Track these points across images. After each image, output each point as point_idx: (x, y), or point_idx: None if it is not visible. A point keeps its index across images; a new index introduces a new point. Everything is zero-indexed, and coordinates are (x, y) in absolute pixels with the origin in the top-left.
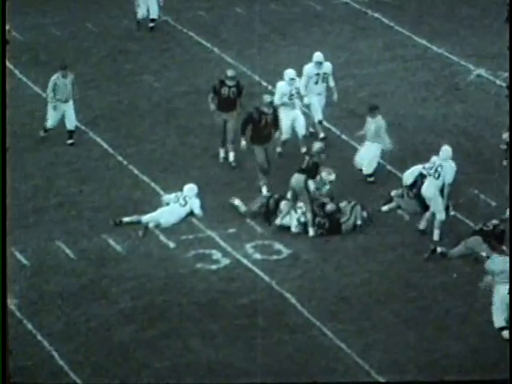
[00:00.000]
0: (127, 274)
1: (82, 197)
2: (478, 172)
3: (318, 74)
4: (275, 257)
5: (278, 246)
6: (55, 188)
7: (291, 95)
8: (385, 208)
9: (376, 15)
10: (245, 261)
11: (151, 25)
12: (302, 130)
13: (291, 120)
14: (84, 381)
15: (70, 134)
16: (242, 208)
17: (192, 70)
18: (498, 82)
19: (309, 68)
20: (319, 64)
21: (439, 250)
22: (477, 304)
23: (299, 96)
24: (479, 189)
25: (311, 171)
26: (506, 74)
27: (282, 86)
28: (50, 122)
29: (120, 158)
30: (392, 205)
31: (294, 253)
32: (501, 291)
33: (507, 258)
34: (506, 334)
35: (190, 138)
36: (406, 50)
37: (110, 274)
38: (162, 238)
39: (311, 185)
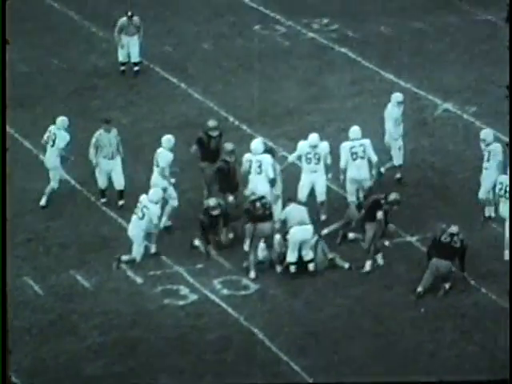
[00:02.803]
0: (95, 309)
1: (49, 233)
2: (446, 206)
3: (309, 153)
4: (243, 292)
5: (245, 281)
6: (23, 224)
7: (308, 158)
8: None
9: (343, 50)
10: (213, 296)
11: (136, 69)
12: (321, 196)
13: (310, 183)
14: None
15: (120, 194)
16: (202, 248)
17: (159, 105)
18: (465, 116)
19: (302, 146)
20: (314, 146)
21: (351, 235)
22: (445, 338)
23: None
24: (446, 223)
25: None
26: (474, 109)
27: (302, 146)
28: (99, 184)
29: (88, 194)
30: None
31: (262, 288)
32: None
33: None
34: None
35: None
36: (373, 85)
37: (78, 309)
38: (130, 273)
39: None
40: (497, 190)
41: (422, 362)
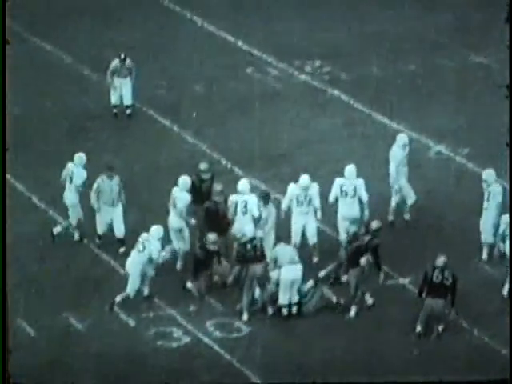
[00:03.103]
0: (88, 352)
1: (41, 274)
2: (439, 247)
3: (299, 195)
4: (235, 334)
5: (237, 323)
6: (16, 266)
7: (299, 201)
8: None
9: (335, 92)
10: (205, 339)
11: (128, 112)
12: (312, 239)
13: (302, 225)
14: None
15: (121, 242)
16: (194, 291)
17: (151, 148)
18: (457, 158)
19: (292, 189)
20: (305, 188)
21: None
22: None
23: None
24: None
25: None
26: (466, 151)
27: (292, 189)
28: (98, 229)
29: (79, 237)
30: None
31: (254, 331)
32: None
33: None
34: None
35: (150, 217)
36: (365, 127)
37: (71, 352)
38: (123, 316)
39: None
40: (501, 231)
41: None
